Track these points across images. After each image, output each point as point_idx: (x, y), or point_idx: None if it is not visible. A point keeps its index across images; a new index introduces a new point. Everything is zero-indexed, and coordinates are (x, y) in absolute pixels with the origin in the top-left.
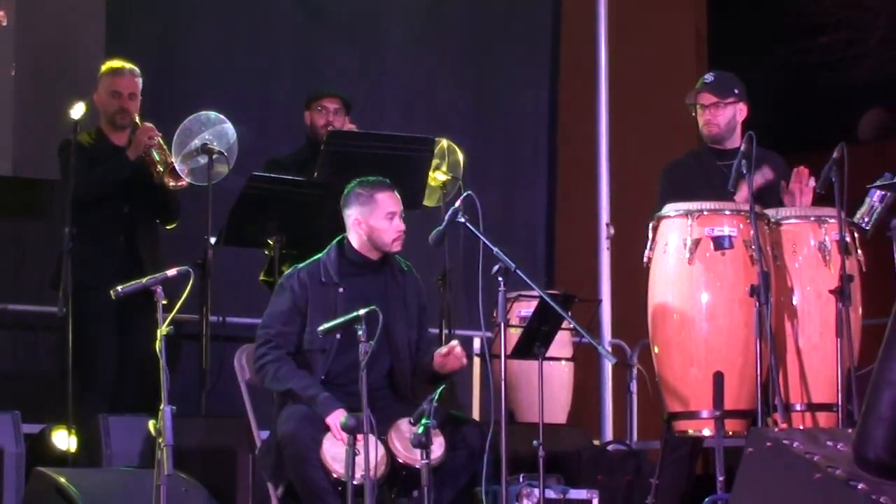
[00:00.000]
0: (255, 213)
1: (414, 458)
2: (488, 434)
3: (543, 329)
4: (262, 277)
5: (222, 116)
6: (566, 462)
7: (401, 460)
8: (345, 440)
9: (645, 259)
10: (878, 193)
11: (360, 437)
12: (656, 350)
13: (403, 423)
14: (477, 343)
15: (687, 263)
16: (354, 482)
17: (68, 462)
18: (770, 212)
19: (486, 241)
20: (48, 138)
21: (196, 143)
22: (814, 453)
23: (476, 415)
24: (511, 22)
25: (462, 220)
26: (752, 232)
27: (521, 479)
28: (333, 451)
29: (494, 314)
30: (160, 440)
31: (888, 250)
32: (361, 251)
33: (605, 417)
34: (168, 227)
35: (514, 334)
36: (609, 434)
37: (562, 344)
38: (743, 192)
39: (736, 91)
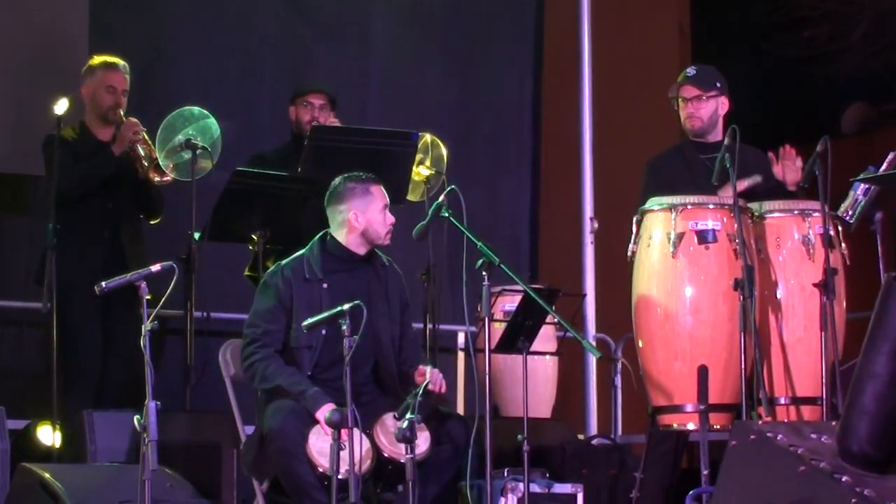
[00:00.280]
0: (240, 209)
1: (399, 452)
2: (473, 429)
3: (528, 323)
4: (246, 273)
5: (206, 111)
6: (550, 456)
7: (386, 455)
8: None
9: (629, 253)
10: (861, 187)
11: (345, 431)
12: (641, 344)
13: (388, 418)
14: (461, 337)
15: (671, 257)
16: (339, 476)
17: (53, 458)
18: (754, 205)
19: (470, 236)
20: (32, 134)
21: (179, 138)
22: (798, 446)
23: (460, 409)
24: (495, 17)
25: (446, 214)
26: (735, 226)
27: (505, 474)
28: (319, 445)
29: (479, 308)
30: (145, 435)
31: (872, 243)
32: (349, 246)
33: (589, 412)
34: (152, 223)
35: (499, 329)
36: (593, 428)
37: (546, 338)
38: (728, 192)
39: (718, 84)
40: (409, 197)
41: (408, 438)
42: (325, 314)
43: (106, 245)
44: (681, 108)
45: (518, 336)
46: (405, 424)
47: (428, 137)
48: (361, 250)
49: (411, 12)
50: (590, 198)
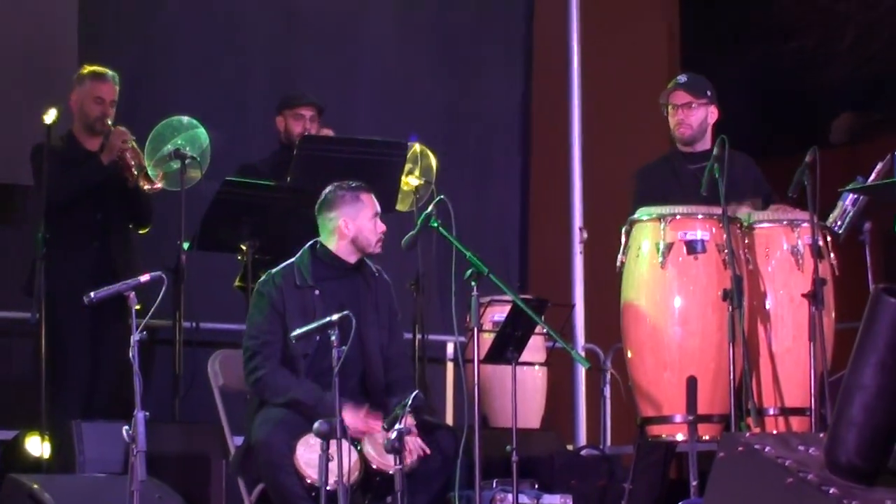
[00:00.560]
0: (229, 219)
1: (387, 463)
2: (462, 439)
3: (516, 334)
4: (236, 283)
5: (195, 121)
6: (539, 467)
7: (374, 466)
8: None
9: (618, 263)
10: (850, 197)
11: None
12: (630, 355)
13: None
14: (450, 348)
15: (660, 267)
16: (328, 488)
17: (42, 468)
18: (743, 215)
19: (459, 246)
20: (20, 144)
21: (169, 148)
22: (785, 458)
23: (449, 420)
24: (484, 25)
25: (435, 224)
26: (724, 236)
27: (494, 485)
28: (307, 456)
29: (468, 319)
30: (133, 446)
31: (861, 254)
32: (339, 254)
33: (578, 422)
34: (141, 232)
35: (488, 339)
36: (582, 439)
37: (535, 349)
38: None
39: (708, 93)
40: (399, 207)
41: (396, 449)
42: (314, 325)
43: (95, 255)
44: (670, 116)
45: (507, 346)
46: (393, 435)
47: (417, 147)
48: (352, 258)
49: (400, 20)
50: (579, 208)
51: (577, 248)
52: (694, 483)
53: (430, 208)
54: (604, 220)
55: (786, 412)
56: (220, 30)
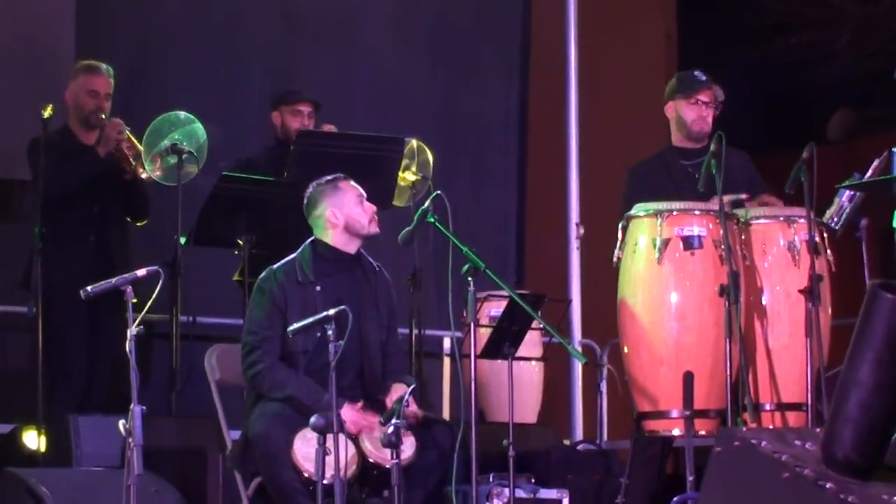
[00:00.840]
0: (226, 213)
1: (384, 457)
2: (458, 434)
3: (513, 329)
4: (236, 277)
5: (192, 116)
6: (536, 462)
7: (371, 460)
8: (364, 428)
9: (615, 259)
10: (847, 193)
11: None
12: (626, 350)
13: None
14: (447, 343)
15: (656, 263)
16: (325, 482)
17: (38, 462)
18: (739, 211)
19: (456, 241)
20: (17, 138)
21: (166, 143)
22: (782, 453)
23: (446, 415)
24: (482, 23)
25: (431, 219)
26: (721, 232)
27: (490, 479)
28: (305, 450)
29: (464, 314)
30: (130, 440)
31: (857, 250)
32: (337, 246)
33: (575, 417)
34: (139, 224)
35: (484, 334)
36: (579, 434)
37: (532, 344)
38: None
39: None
40: (395, 202)
41: (393, 444)
42: (311, 319)
43: (92, 249)
44: (689, 108)
45: (504, 341)
46: (390, 429)
47: (414, 143)
48: (351, 248)
49: (398, 18)
50: (575, 203)
51: (574, 244)
52: (690, 478)
53: (426, 203)
54: (600, 216)
55: (782, 407)
56: (217, 26)
